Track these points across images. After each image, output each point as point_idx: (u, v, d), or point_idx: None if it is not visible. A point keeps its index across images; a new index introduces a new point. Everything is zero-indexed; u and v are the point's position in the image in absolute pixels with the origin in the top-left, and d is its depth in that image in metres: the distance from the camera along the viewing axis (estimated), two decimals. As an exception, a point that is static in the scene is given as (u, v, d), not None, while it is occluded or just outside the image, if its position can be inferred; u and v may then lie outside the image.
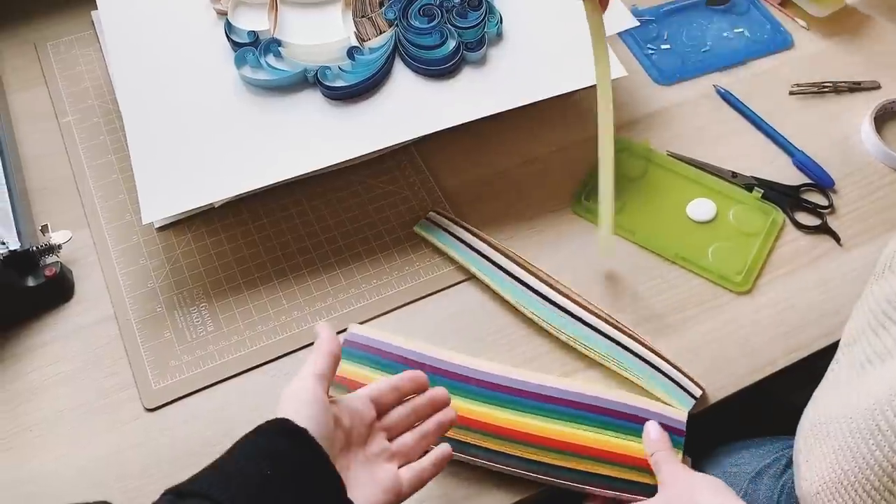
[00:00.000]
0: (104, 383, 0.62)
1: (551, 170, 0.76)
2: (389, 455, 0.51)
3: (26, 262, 0.63)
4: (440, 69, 0.72)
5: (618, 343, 0.64)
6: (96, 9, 0.76)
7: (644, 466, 0.59)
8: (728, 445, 0.70)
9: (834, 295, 0.69)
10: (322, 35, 0.74)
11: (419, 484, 0.51)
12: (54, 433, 0.60)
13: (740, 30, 0.88)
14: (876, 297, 0.52)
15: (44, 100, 0.77)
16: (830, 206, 0.74)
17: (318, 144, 0.68)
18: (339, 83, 0.70)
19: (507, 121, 0.74)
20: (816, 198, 0.75)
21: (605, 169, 0.64)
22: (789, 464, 0.64)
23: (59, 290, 0.65)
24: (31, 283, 0.63)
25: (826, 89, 0.83)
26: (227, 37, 0.72)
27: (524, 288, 0.67)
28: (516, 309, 0.66)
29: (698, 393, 0.62)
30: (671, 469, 0.56)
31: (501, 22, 0.76)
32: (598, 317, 0.65)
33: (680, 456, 0.59)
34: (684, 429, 0.60)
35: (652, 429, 0.59)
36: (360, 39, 0.74)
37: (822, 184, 0.76)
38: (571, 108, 0.79)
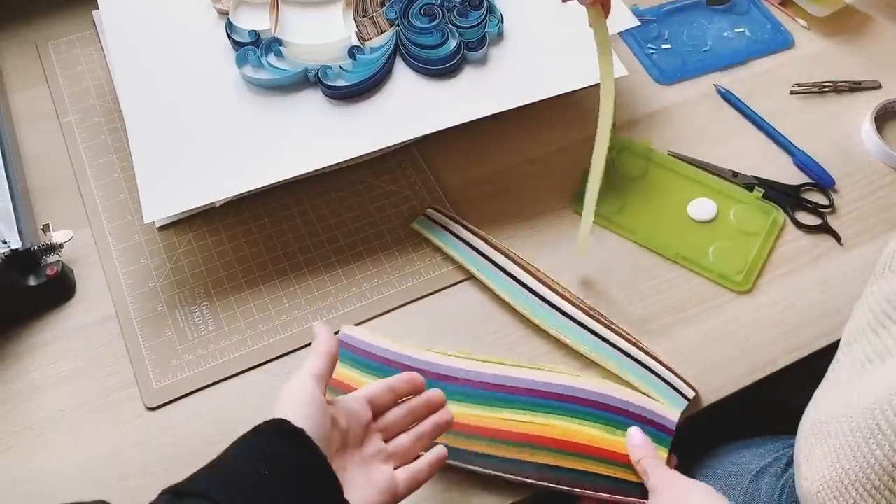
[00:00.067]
0: (105, 382, 0.62)
1: (551, 169, 0.76)
2: (385, 456, 0.51)
3: (28, 262, 0.63)
4: (441, 69, 0.72)
5: (613, 345, 0.64)
6: (97, 8, 0.76)
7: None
8: (729, 445, 0.70)
9: (834, 294, 0.69)
10: (323, 34, 0.74)
11: (415, 485, 0.51)
12: (55, 432, 0.60)
13: (741, 29, 0.88)
14: (876, 296, 0.52)
15: (45, 99, 0.77)
16: (831, 205, 0.74)
17: (319, 144, 0.68)
18: (340, 83, 0.71)
19: (508, 120, 0.74)
20: (817, 197, 0.75)
21: (595, 174, 0.64)
22: (790, 463, 0.64)
23: (61, 289, 0.65)
24: (32, 282, 0.63)
25: (826, 89, 0.83)
26: (229, 36, 0.72)
27: (522, 288, 0.67)
28: (515, 309, 0.66)
29: (691, 395, 0.62)
30: (661, 474, 0.56)
31: (502, 22, 0.76)
32: (596, 319, 0.65)
33: (666, 454, 0.59)
34: (674, 428, 0.60)
35: (635, 434, 0.59)
36: (361, 39, 0.74)
37: (823, 183, 0.76)
38: (572, 108, 0.79)
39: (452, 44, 0.73)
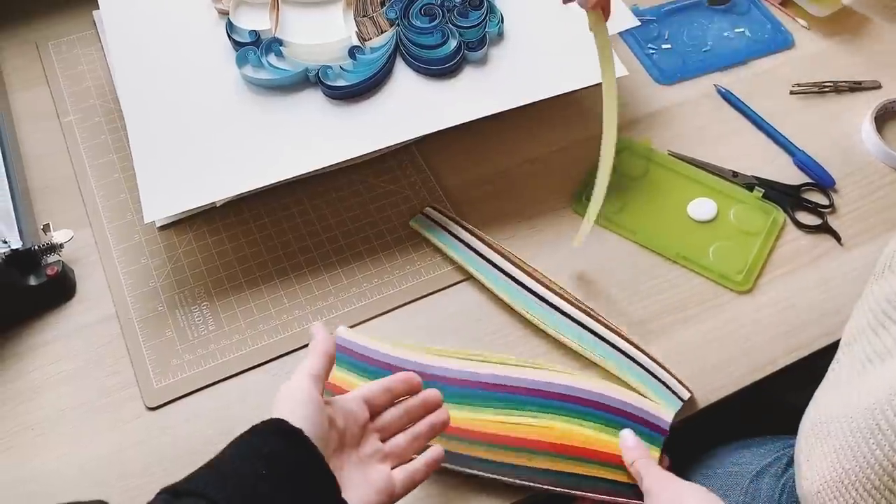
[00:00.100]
0: (106, 382, 0.62)
1: (552, 169, 0.76)
2: (382, 456, 0.51)
3: (28, 261, 0.63)
4: (441, 69, 0.72)
5: (611, 344, 0.64)
6: (98, 8, 0.76)
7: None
8: (729, 445, 0.70)
9: (834, 294, 0.69)
10: (323, 34, 0.74)
11: (412, 485, 0.51)
12: (56, 432, 0.60)
13: (741, 29, 0.88)
14: (876, 296, 0.52)
15: (45, 99, 0.77)
16: (831, 205, 0.75)
17: (320, 144, 0.68)
18: (341, 82, 0.71)
19: (508, 120, 0.75)
20: (817, 197, 0.75)
21: (601, 181, 0.64)
22: (790, 463, 0.64)
23: (61, 289, 0.65)
24: (32, 282, 0.63)
25: (827, 89, 0.83)
26: (229, 36, 0.72)
27: (520, 288, 0.67)
28: (514, 309, 0.66)
29: (686, 395, 0.62)
30: (655, 476, 0.56)
31: (502, 21, 0.76)
32: (594, 318, 0.65)
33: (658, 454, 0.59)
34: (668, 429, 0.60)
35: (628, 437, 0.59)
36: (362, 39, 0.74)
37: (823, 183, 0.76)
38: (572, 108, 0.79)
39: (453, 44, 0.73)
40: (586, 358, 0.64)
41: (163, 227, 0.70)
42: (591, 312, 0.66)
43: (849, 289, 0.69)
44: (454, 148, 0.76)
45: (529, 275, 0.67)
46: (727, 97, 0.82)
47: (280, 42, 0.72)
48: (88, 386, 0.62)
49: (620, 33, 0.85)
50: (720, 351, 0.66)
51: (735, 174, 0.76)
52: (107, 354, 0.63)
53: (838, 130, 0.80)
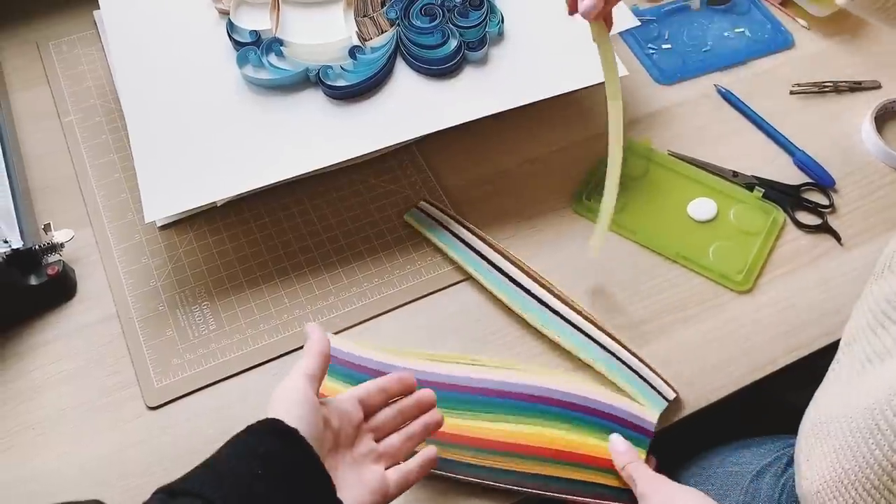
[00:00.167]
0: (106, 382, 0.62)
1: (552, 169, 0.76)
2: (376, 456, 0.51)
3: (29, 261, 0.63)
4: (441, 69, 0.72)
5: (602, 346, 0.64)
6: (98, 8, 0.76)
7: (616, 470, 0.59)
8: (729, 444, 0.70)
9: (834, 294, 0.69)
10: (324, 34, 0.74)
11: (405, 485, 0.51)
12: (56, 431, 0.60)
13: (741, 29, 0.88)
14: (875, 296, 0.52)
15: (46, 99, 0.77)
16: (831, 205, 0.75)
17: (320, 143, 0.68)
18: (341, 82, 0.71)
19: (508, 120, 0.75)
20: (817, 197, 0.75)
21: (611, 183, 0.63)
22: (790, 463, 0.64)
23: (62, 288, 0.65)
24: (33, 281, 0.63)
25: (827, 89, 0.83)
26: (229, 36, 0.72)
27: (518, 288, 0.67)
28: (512, 309, 0.66)
29: (671, 396, 0.62)
30: (648, 479, 0.57)
31: (503, 21, 0.76)
32: (588, 320, 0.65)
33: (644, 456, 0.60)
34: (653, 430, 0.61)
35: (618, 441, 0.60)
36: (362, 39, 0.74)
37: (823, 183, 0.76)
38: (572, 108, 0.79)
39: (453, 44, 0.73)
40: (579, 359, 0.64)
41: (163, 227, 0.70)
42: (584, 313, 0.66)
43: (849, 289, 0.70)
44: (454, 148, 0.76)
45: (528, 275, 0.67)
46: (727, 97, 0.82)
47: (280, 42, 0.72)
48: (89, 385, 0.62)
49: (620, 33, 0.85)
50: (720, 351, 0.66)
51: (735, 174, 0.76)
52: (107, 354, 0.64)
53: (838, 130, 0.80)
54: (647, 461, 0.60)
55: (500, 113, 0.70)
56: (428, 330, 0.66)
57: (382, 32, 0.74)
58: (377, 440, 0.53)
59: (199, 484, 0.42)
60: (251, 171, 0.67)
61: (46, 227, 0.65)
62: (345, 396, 0.53)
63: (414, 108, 0.71)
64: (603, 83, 0.63)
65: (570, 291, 0.68)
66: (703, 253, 0.71)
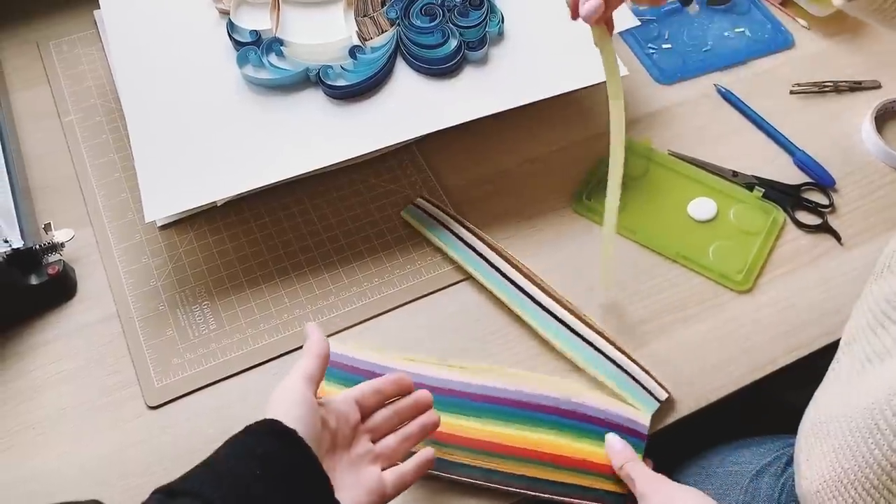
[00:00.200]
0: (107, 381, 0.62)
1: (552, 169, 0.76)
2: (373, 457, 0.52)
3: (29, 261, 0.63)
4: (442, 68, 0.72)
5: (597, 349, 0.64)
6: (98, 8, 0.76)
7: (611, 474, 0.59)
8: (729, 444, 0.70)
9: (834, 294, 0.69)
10: (324, 34, 0.74)
11: (402, 486, 0.51)
12: (56, 431, 0.60)
13: (741, 29, 0.88)
14: (875, 296, 0.52)
15: (46, 99, 0.77)
16: (831, 205, 0.75)
17: (320, 143, 0.68)
18: (341, 82, 0.71)
19: (508, 120, 0.75)
20: (817, 197, 0.75)
21: (612, 196, 0.63)
22: (790, 462, 0.64)
23: (62, 288, 0.65)
24: (33, 281, 0.63)
25: (827, 89, 0.83)
26: (230, 36, 0.72)
27: (516, 289, 0.67)
28: (511, 309, 0.66)
29: (664, 396, 0.62)
30: (647, 479, 0.57)
31: (503, 21, 0.76)
32: (583, 322, 0.65)
33: (639, 458, 0.60)
34: (647, 433, 0.61)
35: (615, 440, 0.60)
36: (362, 38, 0.74)
37: (823, 183, 0.76)
38: (572, 108, 0.79)
39: (453, 43, 0.73)
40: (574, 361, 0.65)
41: (164, 227, 0.70)
42: (578, 314, 0.66)
43: (849, 288, 0.70)
44: (454, 147, 0.76)
45: (524, 275, 0.67)
46: (727, 97, 0.82)
47: (281, 42, 0.72)
48: (89, 385, 0.62)
49: (620, 33, 0.85)
50: (720, 350, 0.66)
51: (735, 174, 0.76)
52: (108, 353, 0.64)
53: (838, 130, 0.80)
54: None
55: (500, 113, 0.70)
56: (428, 329, 0.66)
57: (382, 32, 0.74)
58: (374, 441, 0.53)
59: (198, 484, 0.43)
60: (251, 171, 0.67)
61: (47, 227, 0.65)
62: (341, 397, 0.53)
63: (414, 107, 0.71)
64: (603, 83, 0.63)
65: (570, 291, 0.68)
66: (703, 253, 0.71)
